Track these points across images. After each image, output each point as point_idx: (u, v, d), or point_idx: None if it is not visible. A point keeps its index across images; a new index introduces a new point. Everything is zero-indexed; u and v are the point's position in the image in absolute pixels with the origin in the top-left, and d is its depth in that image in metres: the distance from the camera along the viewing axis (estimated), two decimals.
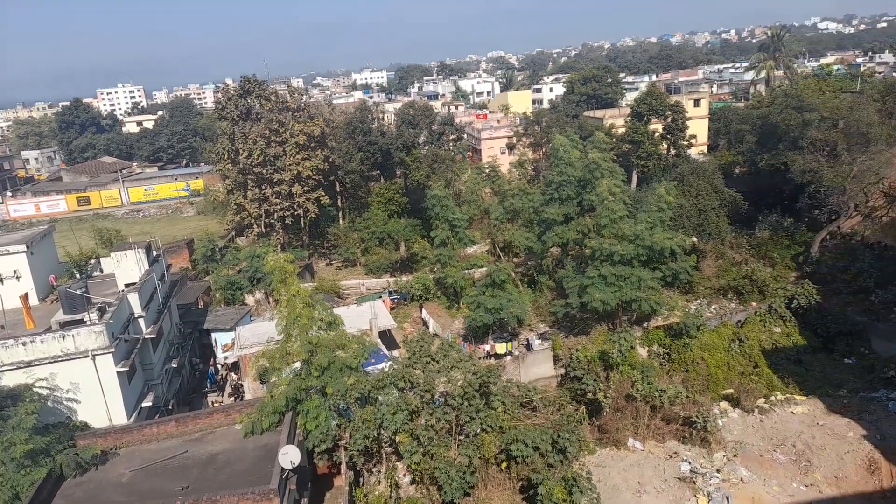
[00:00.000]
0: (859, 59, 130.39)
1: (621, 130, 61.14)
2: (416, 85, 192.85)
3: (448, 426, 25.24)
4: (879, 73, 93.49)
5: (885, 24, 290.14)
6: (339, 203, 59.41)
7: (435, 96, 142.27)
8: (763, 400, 31.84)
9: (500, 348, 38.93)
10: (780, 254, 46.36)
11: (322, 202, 52.59)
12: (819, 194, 44.51)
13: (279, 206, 50.93)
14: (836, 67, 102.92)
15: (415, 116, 63.68)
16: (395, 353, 36.59)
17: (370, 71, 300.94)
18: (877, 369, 34.23)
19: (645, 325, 39.85)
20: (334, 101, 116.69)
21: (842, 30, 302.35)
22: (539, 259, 46.03)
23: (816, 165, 42.82)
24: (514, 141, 71.89)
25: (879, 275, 40.69)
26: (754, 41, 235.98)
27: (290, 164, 50.00)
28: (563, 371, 36.38)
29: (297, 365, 25.81)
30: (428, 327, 41.46)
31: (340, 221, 58.76)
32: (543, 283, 44.81)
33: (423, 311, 43.86)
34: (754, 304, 40.84)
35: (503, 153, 73.47)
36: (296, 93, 57.20)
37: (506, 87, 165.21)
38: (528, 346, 39.69)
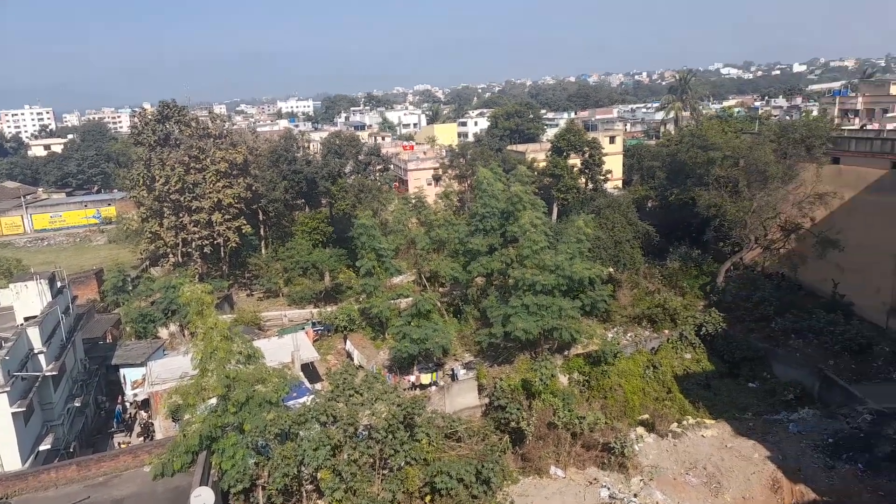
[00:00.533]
0: (757, 103, 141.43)
1: (542, 164, 63.35)
2: (343, 115, 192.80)
3: (371, 460, 24.81)
4: (775, 116, 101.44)
5: (778, 72, 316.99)
6: (262, 232, 58.10)
7: (362, 127, 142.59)
8: (676, 424, 33.16)
9: (426, 379, 38.83)
10: (690, 283, 48.92)
11: (243, 231, 51.27)
12: (723, 228, 47.48)
13: (197, 235, 49.24)
14: (736, 110, 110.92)
15: (341, 146, 63.62)
16: (318, 386, 35.78)
17: (296, 100, 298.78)
18: (778, 393, 36.45)
19: (566, 353, 40.85)
20: (259, 129, 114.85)
21: (742, 75, 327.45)
22: (464, 289, 46.54)
23: (720, 201, 45.73)
24: (441, 172, 72.97)
25: (778, 303, 43.62)
26: (664, 83, 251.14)
27: (210, 192, 48.60)
28: (487, 400, 36.64)
29: (213, 401, 24.80)
30: (352, 359, 40.86)
31: (263, 251, 57.39)
32: (469, 312, 45.27)
33: (348, 342, 43.23)
34: (667, 331, 42.74)
35: (429, 184, 74.31)
36: (218, 119, 55.98)
37: (432, 120, 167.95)
38: (454, 377, 39.78)
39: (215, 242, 50.26)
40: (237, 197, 49.74)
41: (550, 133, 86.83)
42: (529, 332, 36.60)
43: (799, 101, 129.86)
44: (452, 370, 40.45)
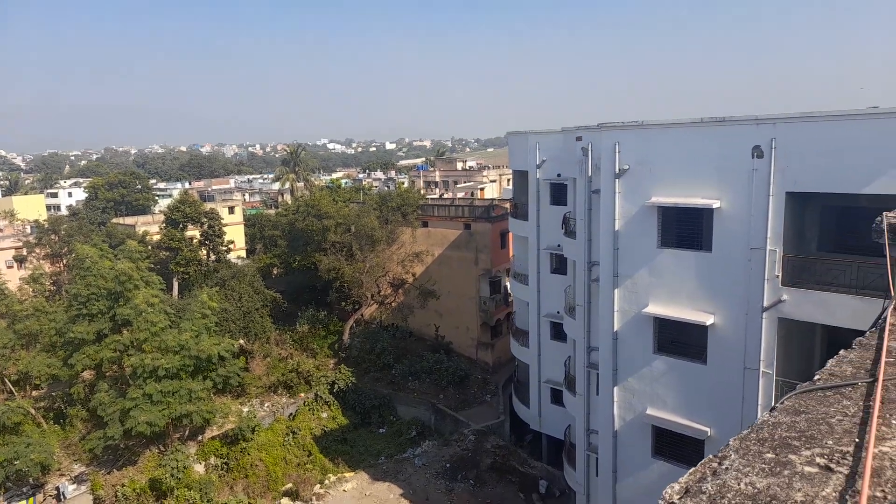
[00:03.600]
0: (360, 175, 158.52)
1: (157, 237, 58.78)
2: None
3: None
4: (376, 186, 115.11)
5: (374, 149, 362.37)
6: None
7: None
8: (319, 486, 33.75)
9: None
10: (320, 344, 51.07)
11: None
12: (344, 288, 51.25)
13: None
14: (344, 181, 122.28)
15: None
16: None
17: None
18: (403, 432, 40.41)
19: (199, 438, 37.93)
20: None
21: (345, 151, 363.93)
22: (67, 387, 39.31)
23: (338, 264, 49.42)
24: (26, 252, 61.15)
25: (396, 351, 48.80)
26: (277, 156, 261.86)
27: None
28: None
29: None
30: None
31: None
32: (74, 415, 38.35)
33: None
34: (302, 394, 43.56)
35: (10, 267, 61.50)
36: None
37: (10, 191, 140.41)
38: (60, 496, 32.93)
39: None
40: None
41: (164, 204, 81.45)
42: (155, 425, 32.89)
43: (393, 174, 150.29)
44: (58, 489, 33.47)
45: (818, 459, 1.36)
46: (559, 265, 33.11)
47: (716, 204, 19.68)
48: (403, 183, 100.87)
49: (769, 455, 1.40)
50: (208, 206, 65.13)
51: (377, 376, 46.56)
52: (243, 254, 71.98)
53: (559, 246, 31.51)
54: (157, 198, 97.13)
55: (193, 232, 59.13)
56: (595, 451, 25.79)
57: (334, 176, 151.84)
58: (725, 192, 19.63)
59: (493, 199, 60.00)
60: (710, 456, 1.45)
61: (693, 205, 20.26)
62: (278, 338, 50.08)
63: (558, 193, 32.32)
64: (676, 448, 22.31)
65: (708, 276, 20.51)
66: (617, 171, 22.13)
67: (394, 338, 51.63)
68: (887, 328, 2.23)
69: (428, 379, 45.42)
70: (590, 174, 24.43)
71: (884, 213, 5.11)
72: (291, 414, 41.62)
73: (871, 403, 1.57)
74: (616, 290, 23.00)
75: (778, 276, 18.98)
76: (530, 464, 35.28)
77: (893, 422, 1.51)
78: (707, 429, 21.02)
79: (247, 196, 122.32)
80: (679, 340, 21.95)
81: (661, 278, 21.69)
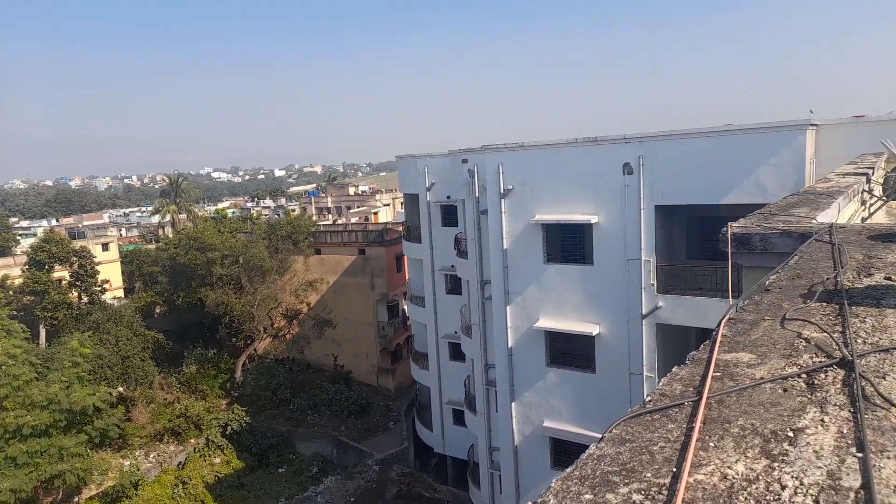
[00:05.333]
0: (248, 204, 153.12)
1: (19, 281, 53.45)
2: None
3: None
4: (265, 215, 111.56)
5: (263, 176, 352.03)
6: None
7: None
8: None
9: None
10: (210, 384, 48.25)
11: None
12: (234, 323, 48.89)
13: None
14: (230, 211, 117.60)
15: None
16: None
17: None
18: (304, 470, 38.84)
19: (76, 499, 34.48)
20: None
21: (232, 179, 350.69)
22: None
23: (226, 298, 47.12)
24: None
25: (293, 385, 47.02)
26: (157, 187, 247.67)
27: None
28: None
29: None
30: None
31: None
32: None
33: None
34: (192, 440, 40.83)
35: None
36: None
37: None
38: None
39: None
40: None
41: (27, 244, 74.36)
42: (21, 490, 29.51)
43: (283, 201, 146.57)
44: None
45: (635, 496, 1.31)
46: (454, 285, 33.42)
47: (594, 219, 20.67)
48: (294, 210, 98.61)
49: (587, 496, 1.33)
50: (79, 243, 60.16)
51: (274, 413, 44.59)
52: (121, 293, 66.96)
53: (453, 266, 31.83)
54: (18, 238, 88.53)
55: (62, 273, 54.33)
56: (498, 469, 26.00)
57: (220, 206, 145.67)
58: (602, 207, 20.68)
59: (387, 223, 59.90)
60: (529, 503, 1.36)
61: (573, 221, 21.17)
62: (163, 381, 46.76)
63: (449, 215, 32.73)
64: (574, 458, 22.83)
65: (591, 289, 21.43)
66: (502, 191, 22.74)
67: (290, 371, 49.77)
68: (718, 339, 2.28)
69: (328, 411, 44.09)
70: (477, 195, 24.95)
71: (729, 224, 5.44)
72: (181, 463, 38.85)
73: (693, 425, 1.55)
74: (508, 307, 23.49)
75: (653, 285, 20.16)
76: (436, 488, 35.02)
77: (711, 444, 1.49)
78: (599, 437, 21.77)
79: (123, 231, 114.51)
80: (569, 352, 22.72)
81: (549, 293, 22.41)
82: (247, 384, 47.36)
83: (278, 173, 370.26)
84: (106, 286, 58.75)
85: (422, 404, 39.38)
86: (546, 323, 22.44)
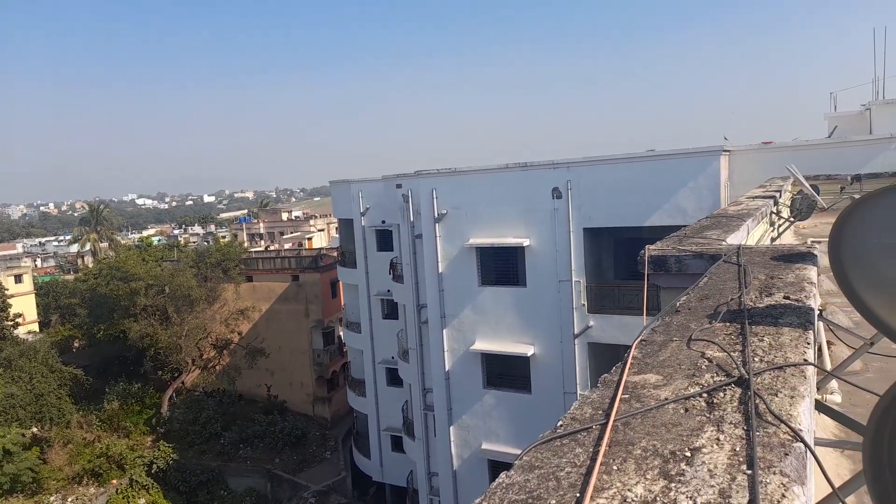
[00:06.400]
0: (176, 231, 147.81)
1: None
2: None
3: None
4: (194, 242, 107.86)
5: (191, 202, 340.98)
6: None
7: None
8: None
9: None
10: (134, 420, 45.80)
11: None
12: (160, 355, 46.72)
13: None
14: (156, 239, 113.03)
15: None
16: None
17: None
18: None
19: None
20: None
21: (158, 205, 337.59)
22: None
23: (152, 330, 45.06)
24: None
25: (224, 419, 45.20)
26: (76, 214, 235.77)
27: None
28: None
29: None
30: None
31: None
32: None
33: None
34: (115, 481, 38.48)
35: None
36: None
37: None
38: None
39: None
40: None
41: None
42: None
43: (213, 228, 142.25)
44: None
45: None
46: (391, 310, 33.20)
47: (526, 242, 21.09)
48: (225, 237, 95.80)
49: None
50: None
51: (203, 448, 42.67)
52: (35, 327, 62.95)
53: (389, 291, 31.66)
54: None
55: None
56: (437, 494, 25.74)
57: (145, 234, 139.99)
58: (533, 230, 21.15)
59: (321, 249, 59.10)
60: None
61: (506, 244, 21.54)
62: (82, 420, 44.00)
63: (384, 239, 32.63)
64: None
65: (525, 310, 21.77)
66: (436, 215, 22.91)
67: (221, 404, 47.88)
68: (629, 361, 2.36)
69: (261, 444, 42.58)
70: (412, 219, 25.04)
71: (646, 246, 5.67)
72: None
73: (598, 449, 1.60)
74: (445, 331, 23.52)
75: (584, 305, 20.69)
76: None
77: (614, 468, 1.54)
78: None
79: (39, 261, 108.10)
80: (505, 373, 22.92)
81: (484, 315, 22.61)
82: (174, 419, 45.22)
83: (208, 199, 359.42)
84: (19, 320, 55.23)
85: (359, 432, 38.63)
86: (482, 345, 22.59)
